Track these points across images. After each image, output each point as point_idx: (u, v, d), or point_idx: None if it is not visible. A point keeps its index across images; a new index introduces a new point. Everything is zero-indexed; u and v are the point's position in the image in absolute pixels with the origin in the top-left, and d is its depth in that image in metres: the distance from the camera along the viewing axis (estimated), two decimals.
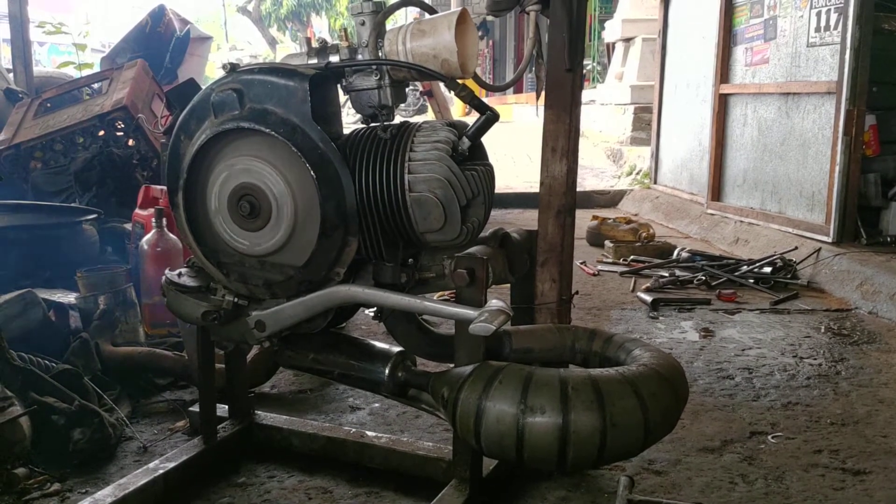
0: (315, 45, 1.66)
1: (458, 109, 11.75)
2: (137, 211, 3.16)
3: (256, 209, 1.59)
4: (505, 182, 7.35)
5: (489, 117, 1.54)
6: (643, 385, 1.43)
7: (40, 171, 4.15)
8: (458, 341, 1.58)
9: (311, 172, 1.52)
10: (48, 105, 4.53)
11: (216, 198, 1.63)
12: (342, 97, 1.67)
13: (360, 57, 1.61)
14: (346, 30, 1.64)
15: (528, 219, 5.86)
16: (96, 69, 5.91)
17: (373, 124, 1.61)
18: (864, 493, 1.86)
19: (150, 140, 4.18)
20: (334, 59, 1.62)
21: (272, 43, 27.76)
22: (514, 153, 8.84)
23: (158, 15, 6.30)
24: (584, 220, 4.68)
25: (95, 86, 4.79)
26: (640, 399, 1.41)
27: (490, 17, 18.89)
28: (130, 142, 4.26)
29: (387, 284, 1.61)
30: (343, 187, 1.54)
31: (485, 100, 1.61)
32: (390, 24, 1.66)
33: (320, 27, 28.07)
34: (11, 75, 5.54)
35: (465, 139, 1.55)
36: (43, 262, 3.04)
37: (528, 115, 11.67)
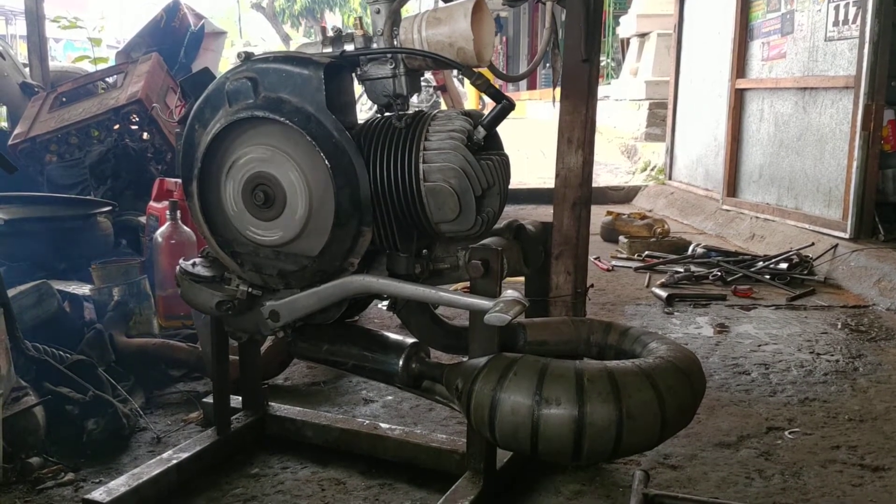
0: (330, 34, 1.64)
1: (471, 104, 11.73)
2: (152, 203, 3.17)
3: (271, 199, 1.58)
4: (518, 178, 7.32)
5: (505, 106, 1.52)
6: (660, 378, 1.41)
7: (55, 164, 4.16)
8: (472, 332, 1.56)
9: (326, 162, 1.51)
10: (63, 99, 4.54)
11: (231, 187, 1.62)
12: (358, 89, 1.66)
13: (374, 46, 1.59)
14: (360, 19, 1.63)
15: (541, 214, 5.83)
16: (111, 64, 5.92)
17: (387, 114, 1.60)
18: (884, 489, 1.83)
19: (164, 133, 4.19)
20: (349, 47, 1.61)
21: (286, 39, 27.81)
22: (528, 149, 8.80)
23: (173, 10, 6.29)
24: (598, 215, 4.66)
25: (110, 80, 4.80)
26: (657, 392, 1.39)
27: (504, 13, 18.87)
28: (145, 135, 4.27)
29: (401, 275, 1.60)
30: (357, 177, 1.52)
31: None
32: (405, 13, 1.65)
33: (334, 24, 28.07)
34: (27, 69, 5.56)
35: (480, 128, 1.53)
36: (58, 253, 3.06)
37: (542, 111, 11.64)
